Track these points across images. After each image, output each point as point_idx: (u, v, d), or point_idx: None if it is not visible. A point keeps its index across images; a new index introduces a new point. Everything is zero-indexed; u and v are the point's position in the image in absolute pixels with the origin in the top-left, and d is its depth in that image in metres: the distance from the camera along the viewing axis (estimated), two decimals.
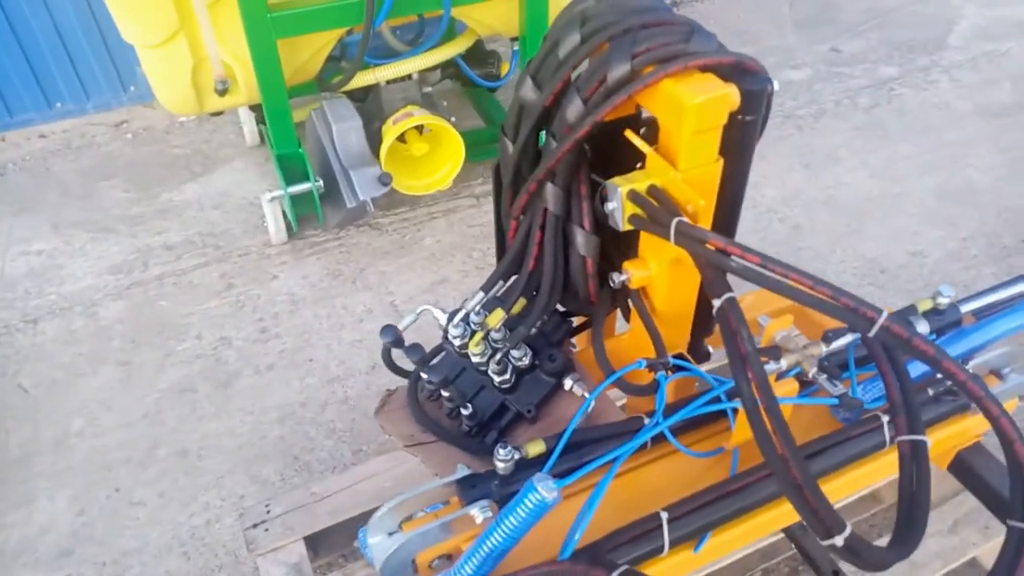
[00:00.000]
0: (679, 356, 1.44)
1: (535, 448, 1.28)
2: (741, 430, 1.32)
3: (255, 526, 1.96)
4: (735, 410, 1.33)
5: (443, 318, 1.54)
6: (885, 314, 0.98)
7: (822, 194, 3.34)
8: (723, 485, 1.26)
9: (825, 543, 0.99)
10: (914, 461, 1.14)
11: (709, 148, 1.22)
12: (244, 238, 3.19)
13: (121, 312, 2.89)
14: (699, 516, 1.24)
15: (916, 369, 1.44)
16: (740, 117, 1.21)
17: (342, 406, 2.53)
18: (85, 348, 2.75)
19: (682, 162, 1.21)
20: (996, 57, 4.22)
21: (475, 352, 1.43)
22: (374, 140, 2.96)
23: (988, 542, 1.90)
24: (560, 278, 1.42)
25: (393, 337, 1.33)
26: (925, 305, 1.54)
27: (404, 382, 1.62)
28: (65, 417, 2.53)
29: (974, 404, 1.38)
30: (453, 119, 2.98)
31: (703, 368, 1.46)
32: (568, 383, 1.49)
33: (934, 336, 1.51)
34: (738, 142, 1.24)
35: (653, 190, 1.23)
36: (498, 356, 1.43)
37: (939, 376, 1.42)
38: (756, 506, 1.28)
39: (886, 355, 1.21)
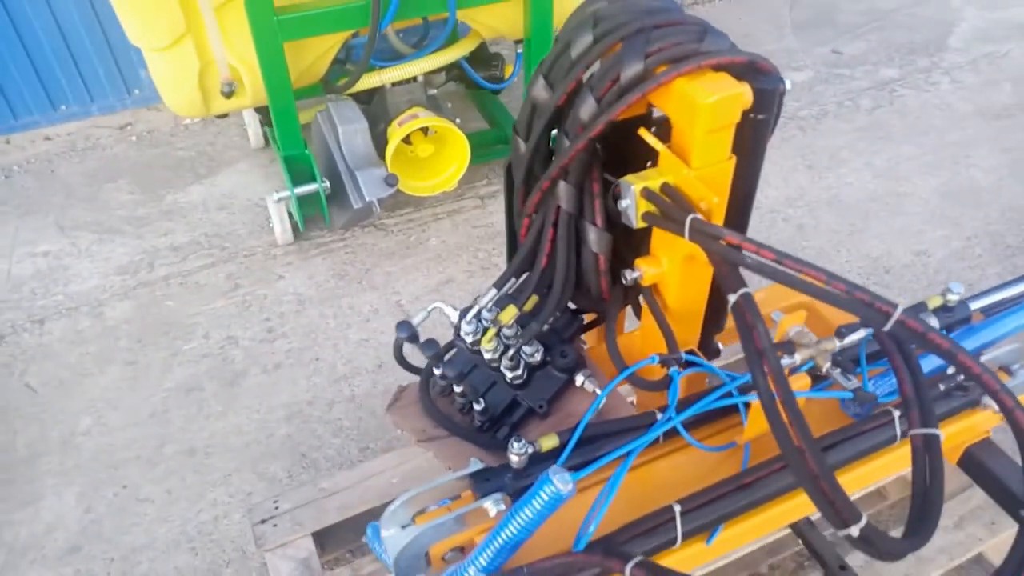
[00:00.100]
0: (690, 352, 1.45)
1: (549, 442, 1.29)
2: (753, 425, 1.33)
3: (263, 522, 1.97)
4: (747, 405, 1.34)
5: (454, 315, 1.55)
6: (900, 309, 0.99)
7: (826, 194, 3.36)
8: (736, 479, 1.27)
9: (842, 533, 1.00)
10: (927, 454, 1.15)
11: (722, 146, 1.23)
12: (250, 239, 3.20)
13: (128, 312, 2.90)
14: (712, 509, 1.25)
15: (925, 366, 1.45)
16: (753, 116, 1.22)
17: (349, 404, 2.54)
18: (92, 348, 2.77)
19: (695, 160, 1.22)
20: (996, 59, 4.24)
21: (487, 348, 1.44)
22: (380, 142, 2.97)
23: (994, 538, 1.92)
24: (572, 275, 1.43)
25: (409, 332, 1.34)
26: (935, 302, 1.55)
27: (413, 378, 1.63)
28: (72, 416, 2.54)
29: (988, 398, 1.40)
30: (458, 121, 3.00)
31: (714, 364, 1.47)
32: (580, 379, 1.50)
33: (944, 333, 1.52)
34: (750, 140, 1.25)
35: (666, 188, 1.24)
36: (510, 352, 1.44)
37: (949, 372, 1.43)
38: (768, 499, 1.29)
39: (899, 350, 1.22)
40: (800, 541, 1.97)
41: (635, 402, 1.77)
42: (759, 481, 1.28)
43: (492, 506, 1.26)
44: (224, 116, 3.32)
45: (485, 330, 1.46)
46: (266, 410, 2.54)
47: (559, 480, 1.10)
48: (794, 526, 1.95)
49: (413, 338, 1.36)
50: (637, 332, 1.64)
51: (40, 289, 3.01)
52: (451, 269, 3.04)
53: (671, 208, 1.19)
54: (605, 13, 1.26)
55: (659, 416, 1.33)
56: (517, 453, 1.26)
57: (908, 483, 2.11)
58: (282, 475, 2.35)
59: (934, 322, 1.49)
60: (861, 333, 1.22)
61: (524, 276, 1.51)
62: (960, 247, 3.07)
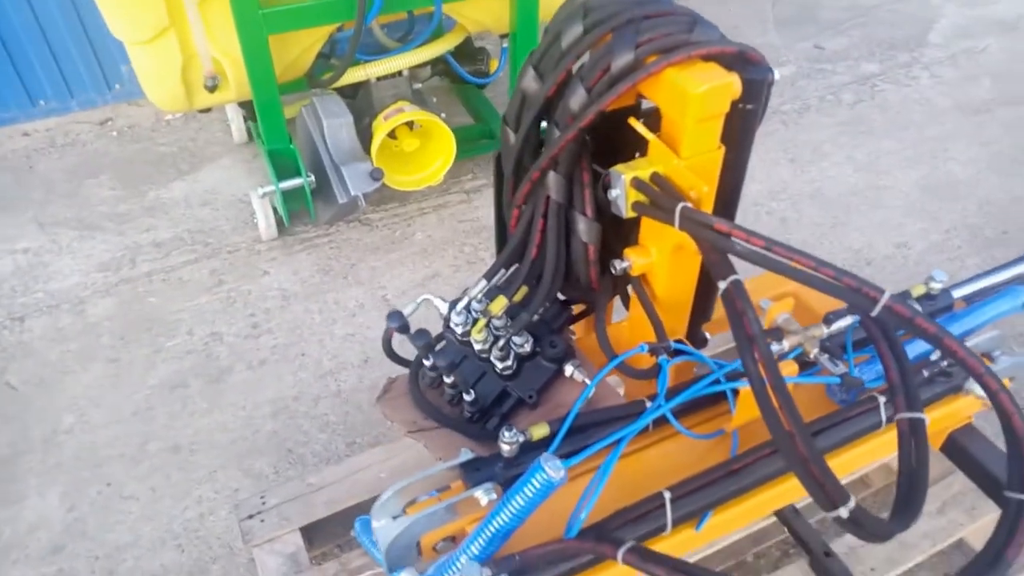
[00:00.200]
0: (678, 342, 1.46)
1: (539, 431, 1.30)
2: (741, 412, 1.35)
3: (250, 517, 1.96)
4: (735, 393, 1.36)
5: (443, 307, 1.56)
6: (887, 294, 1.00)
7: (808, 188, 3.39)
8: (724, 465, 1.28)
9: (831, 515, 1.01)
10: (913, 438, 1.17)
11: (711, 136, 1.24)
12: (234, 235, 3.17)
13: (110, 309, 2.86)
14: (701, 496, 1.26)
15: (908, 353, 1.47)
16: (741, 106, 1.23)
17: (335, 399, 2.53)
18: (73, 345, 2.73)
19: (685, 150, 1.23)
20: (975, 54, 4.30)
21: (477, 339, 1.45)
22: (365, 136, 2.96)
23: (975, 523, 1.94)
24: (562, 265, 1.44)
25: (400, 323, 1.34)
26: (919, 290, 1.58)
27: (402, 371, 1.63)
28: (54, 414, 2.50)
29: (971, 384, 1.43)
30: (443, 115, 2.99)
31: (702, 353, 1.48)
32: (569, 369, 1.51)
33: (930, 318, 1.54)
34: (739, 130, 1.26)
35: (656, 177, 1.25)
36: (500, 343, 1.45)
37: (932, 359, 1.46)
38: (757, 485, 1.31)
39: (884, 337, 1.24)
40: (785, 529, 1.99)
41: (624, 393, 1.78)
42: (747, 468, 1.30)
43: (483, 495, 1.27)
44: (207, 111, 3.28)
45: (475, 321, 1.47)
46: (251, 406, 2.52)
47: (551, 467, 1.11)
48: (780, 514, 1.97)
49: (404, 328, 1.35)
50: (625, 322, 1.65)
51: (20, 287, 2.96)
52: (437, 264, 3.03)
53: (661, 197, 1.20)
54: (595, 4, 1.27)
55: (648, 404, 1.34)
56: (508, 442, 1.26)
57: (892, 471, 2.14)
58: (268, 471, 2.34)
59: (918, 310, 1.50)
60: (848, 320, 1.23)
61: (514, 267, 1.51)
62: (939, 239, 3.11)
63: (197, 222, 3.24)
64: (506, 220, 1.49)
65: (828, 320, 1.23)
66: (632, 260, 1.40)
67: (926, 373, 1.43)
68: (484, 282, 1.46)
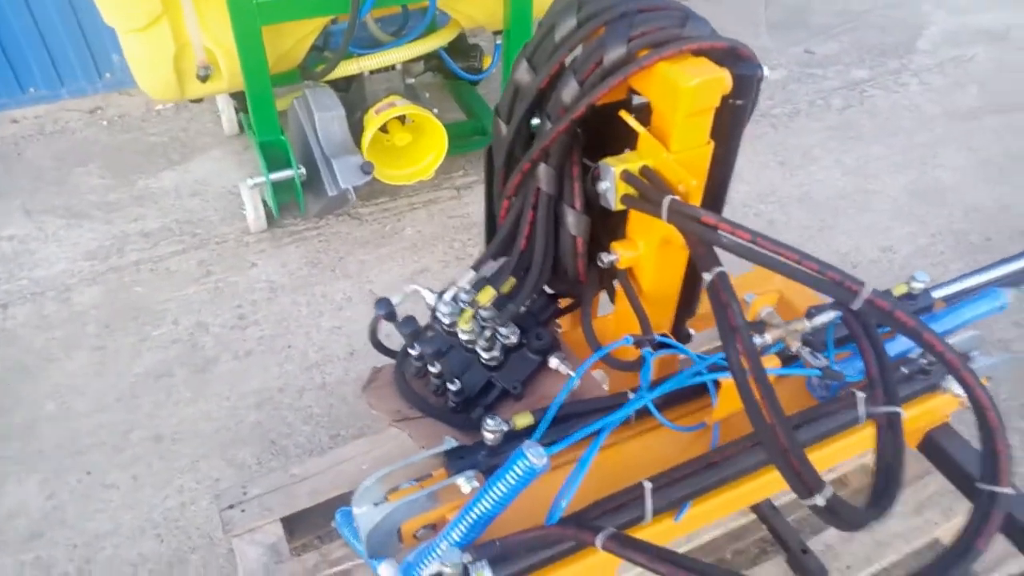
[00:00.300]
0: (663, 336, 1.47)
1: (523, 420, 1.30)
2: (723, 405, 1.36)
3: (231, 507, 1.95)
4: (717, 386, 1.37)
5: (431, 297, 1.56)
6: (869, 287, 1.02)
7: (797, 191, 3.41)
8: (705, 457, 1.29)
9: (807, 503, 1.02)
10: (890, 431, 1.18)
11: (701, 131, 1.25)
12: (222, 226, 3.17)
13: (96, 298, 2.85)
14: (681, 486, 1.27)
15: (889, 352, 1.49)
16: (731, 101, 1.24)
17: (320, 392, 2.53)
18: (58, 333, 2.72)
19: (674, 144, 1.24)
20: (963, 62, 4.34)
21: (464, 329, 1.45)
22: (356, 130, 2.96)
23: (949, 522, 1.97)
24: (550, 257, 1.45)
25: (387, 310, 1.34)
26: (900, 290, 1.60)
27: (388, 361, 1.63)
28: (36, 401, 2.49)
29: (948, 382, 1.44)
30: (436, 111, 3.00)
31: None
32: (554, 362, 1.52)
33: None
34: (729, 126, 1.28)
35: (646, 171, 1.26)
36: (487, 333, 1.45)
37: (911, 357, 1.47)
38: (735, 477, 1.32)
39: (865, 333, 1.25)
40: (764, 526, 2.01)
41: (608, 388, 1.79)
42: (727, 460, 1.31)
43: (465, 483, 1.27)
44: (198, 101, 3.28)
45: (462, 311, 1.47)
46: (236, 397, 2.51)
47: (533, 454, 1.11)
48: (758, 511, 1.99)
49: (391, 316, 1.36)
50: (611, 316, 1.66)
51: (4, 274, 2.95)
52: (426, 259, 3.03)
53: (650, 190, 1.21)
54: None
55: (631, 396, 1.35)
56: (491, 430, 1.27)
57: (869, 471, 2.16)
58: (251, 462, 2.34)
59: None
60: (830, 314, 1.24)
61: (502, 259, 1.52)
62: (925, 244, 3.14)
63: (186, 212, 3.24)
64: (496, 211, 1.50)
65: (810, 315, 1.24)
66: (619, 253, 1.41)
67: (905, 370, 1.44)
68: (472, 272, 1.46)
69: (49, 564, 2.08)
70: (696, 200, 1.27)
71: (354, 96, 3.08)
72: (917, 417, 1.55)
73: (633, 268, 1.47)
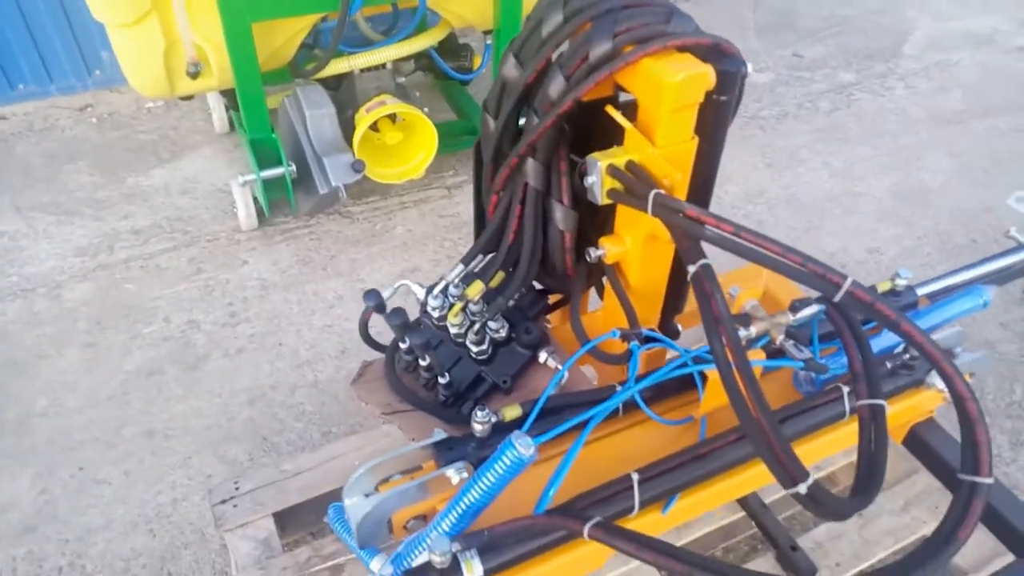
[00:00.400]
0: (651, 331, 1.49)
1: (512, 412, 1.32)
2: (710, 398, 1.38)
3: (223, 502, 1.95)
4: (703, 379, 1.39)
5: (421, 292, 1.58)
6: (850, 280, 1.04)
7: (784, 192, 3.44)
8: (692, 449, 1.31)
9: (790, 491, 1.04)
10: (873, 423, 1.21)
11: (685, 126, 1.27)
12: (213, 224, 3.17)
13: (86, 294, 2.85)
14: (669, 478, 1.29)
15: (873, 348, 1.51)
16: (715, 97, 1.26)
17: (312, 389, 2.54)
18: (49, 329, 2.72)
19: (659, 139, 1.26)
20: (948, 67, 4.39)
21: (454, 323, 1.47)
22: (347, 128, 2.97)
23: (937, 520, 1.99)
24: (538, 251, 1.46)
25: (377, 301, 1.36)
26: (884, 286, 1.62)
27: (378, 356, 1.64)
28: (28, 397, 2.49)
29: (932, 377, 1.47)
30: (426, 110, 3.01)
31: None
32: (543, 356, 1.54)
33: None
34: (713, 121, 1.29)
35: (631, 165, 1.28)
36: (476, 327, 1.47)
37: (896, 352, 1.50)
38: (722, 470, 1.33)
39: (848, 326, 1.28)
40: (754, 524, 2.03)
41: (597, 383, 1.81)
42: (714, 452, 1.33)
43: (454, 474, 1.28)
44: (189, 98, 3.28)
45: (452, 305, 1.49)
46: (228, 394, 2.52)
47: (521, 444, 1.13)
48: (748, 509, 2.00)
49: (380, 308, 1.37)
50: (600, 312, 1.68)
51: None
52: (417, 258, 3.05)
53: (635, 184, 1.23)
54: None
55: (619, 389, 1.37)
56: (480, 422, 1.28)
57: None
58: (243, 458, 2.34)
59: None
60: (814, 308, 1.27)
61: (492, 255, 1.54)
62: (911, 245, 3.18)
63: (176, 210, 3.24)
64: (485, 206, 1.52)
65: (794, 308, 1.26)
66: (607, 248, 1.43)
67: (889, 365, 1.47)
68: (461, 266, 1.48)
69: (41, 558, 2.08)
70: (681, 194, 1.29)
71: (344, 95, 3.10)
72: (902, 412, 1.57)
73: (620, 263, 1.49)
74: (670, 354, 1.57)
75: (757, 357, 1.32)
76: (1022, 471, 2.31)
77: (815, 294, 1.24)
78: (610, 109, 1.30)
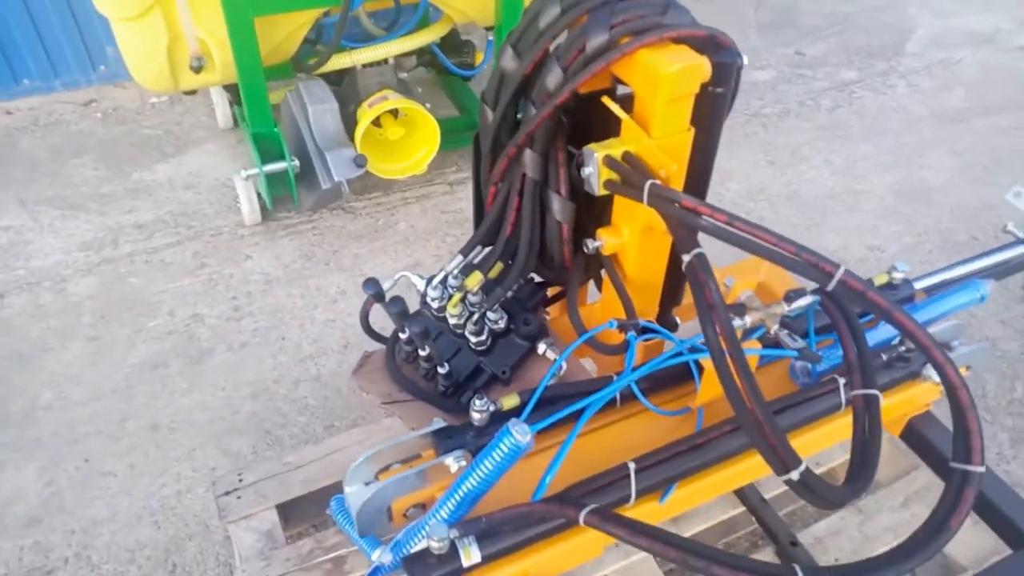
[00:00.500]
0: (647, 322, 1.51)
1: (510, 401, 1.33)
2: (706, 390, 1.39)
3: (227, 493, 1.97)
4: (700, 371, 1.40)
5: (420, 283, 1.59)
6: (843, 269, 1.05)
7: (786, 189, 3.45)
8: (689, 439, 1.32)
9: (782, 478, 1.06)
10: (867, 413, 1.22)
11: (681, 117, 1.28)
12: (217, 219, 3.19)
13: (91, 288, 2.87)
14: (665, 468, 1.30)
15: (870, 341, 1.52)
16: (711, 89, 1.28)
17: (315, 383, 2.55)
18: (54, 323, 2.74)
19: (655, 130, 1.27)
20: (950, 65, 4.39)
21: (453, 313, 1.48)
22: (349, 123, 2.99)
23: None
24: (537, 242, 1.48)
25: (375, 290, 1.37)
26: (881, 279, 1.63)
27: (379, 347, 1.66)
28: (33, 390, 2.51)
29: (928, 369, 1.48)
30: (428, 105, 3.03)
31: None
32: (542, 347, 1.55)
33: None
34: (708, 113, 1.31)
35: (628, 156, 1.29)
36: (475, 317, 1.48)
37: (892, 345, 1.51)
38: (719, 461, 1.35)
39: (843, 317, 1.29)
40: (754, 519, 2.04)
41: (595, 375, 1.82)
42: (710, 443, 1.34)
43: (453, 462, 1.30)
44: (192, 93, 3.30)
45: (451, 296, 1.50)
46: (231, 387, 2.54)
47: (518, 432, 1.15)
48: (748, 504, 2.01)
49: (379, 296, 1.39)
50: (598, 304, 1.69)
51: (0, 264, 2.96)
52: (419, 253, 3.06)
53: (631, 174, 1.24)
54: None
55: (616, 378, 1.38)
56: (479, 411, 1.30)
57: None
58: (247, 451, 2.36)
59: None
60: (808, 299, 1.28)
61: (491, 248, 1.55)
62: (912, 243, 3.18)
63: (180, 205, 3.26)
64: (483, 197, 1.53)
65: (789, 298, 1.27)
66: (604, 240, 1.45)
67: (884, 357, 1.48)
68: (460, 257, 1.49)
69: (48, 549, 2.10)
70: (677, 185, 1.30)
71: (347, 90, 3.11)
72: (898, 405, 1.58)
73: (618, 255, 1.50)
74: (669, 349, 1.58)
75: (752, 346, 1.33)
76: (1023, 468, 2.32)
77: (812, 286, 1.25)
78: (606, 100, 1.31)
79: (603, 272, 1.58)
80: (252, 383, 2.55)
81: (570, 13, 1.26)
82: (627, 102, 1.37)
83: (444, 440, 1.32)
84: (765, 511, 1.99)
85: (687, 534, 2.02)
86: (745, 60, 1.27)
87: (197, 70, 2.77)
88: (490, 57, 3.37)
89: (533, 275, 1.62)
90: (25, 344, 2.66)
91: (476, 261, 1.54)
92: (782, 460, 1.04)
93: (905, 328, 1.03)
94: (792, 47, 4.51)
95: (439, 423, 1.36)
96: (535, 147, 1.36)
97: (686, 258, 1.11)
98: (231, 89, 3.23)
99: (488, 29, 3.25)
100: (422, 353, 1.49)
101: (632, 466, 1.29)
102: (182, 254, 3.02)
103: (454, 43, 3.35)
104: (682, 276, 1.58)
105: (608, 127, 1.38)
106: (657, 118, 1.25)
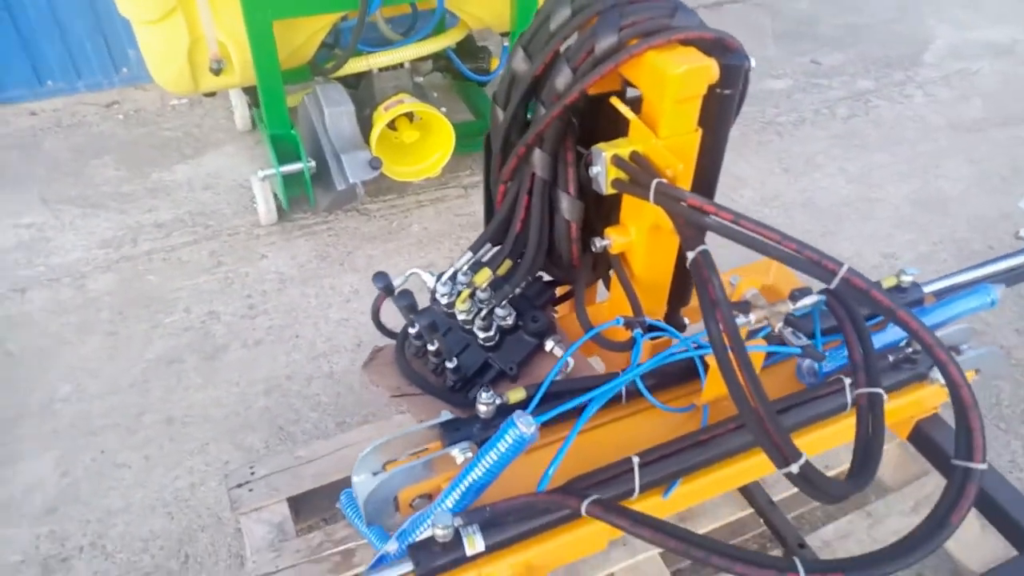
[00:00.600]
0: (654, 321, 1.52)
1: (516, 395, 1.35)
2: (711, 386, 1.40)
3: (239, 486, 2.00)
4: (706, 368, 1.41)
5: (431, 280, 1.62)
6: (846, 267, 1.06)
7: (800, 197, 3.45)
8: (693, 435, 1.33)
9: (783, 471, 1.07)
10: (871, 411, 1.22)
11: (689, 118, 1.30)
12: (234, 219, 3.24)
13: (110, 285, 2.93)
14: (669, 463, 1.31)
15: (877, 343, 1.52)
16: (719, 90, 1.29)
17: (327, 380, 2.58)
18: (73, 318, 2.79)
19: (663, 130, 1.29)
20: (968, 75, 4.38)
21: (462, 309, 1.51)
22: (365, 126, 3.03)
23: None
24: (545, 240, 1.50)
25: (384, 283, 1.40)
26: (890, 282, 1.64)
27: (389, 342, 1.68)
28: (52, 383, 2.56)
29: (934, 372, 1.48)
30: (443, 109, 3.06)
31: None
32: (549, 344, 1.57)
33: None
34: (716, 115, 1.33)
35: (635, 155, 1.31)
36: (483, 313, 1.50)
37: (899, 346, 1.51)
38: (723, 457, 1.36)
39: (849, 316, 1.30)
40: (762, 521, 2.04)
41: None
42: (715, 439, 1.35)
43: (459, 454, 1.32)
44: (212, 95, 3.35)
45: (460, 292, 1.52)
46: (245, 384, 2.57)
47: (523, 423, 1.17)
48: (756, 506, 2.02)
49: (388, 289, 1.41)
50: (606, 303, 1.71)
51: (22, 259, 3.03)
52: (432, 255, 3.09)
53: (639, 173, 1.26)
54: None
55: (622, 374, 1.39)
56: (485, 403, 1.32)
57: None
58: (259, 446, 2.39)
59: None
60: (813, 298, 1.29)
61: (499, 245, 1.58)
62: (927, 251, 3.17)
63: (199, 205, 3.31)
64: (493, 196, 1.56)
65: (794, 297, 1.28)
66: (612, 239, 1.46)
67: (891, 359, 1.48)
68: (470, 254, 1.52)
69: (64, 537, 2.14)
70: (684, 184, 1.32)
71: (363, 93, 3.15)
72: (905, 407, 1.58)
73: (626, 254, 1.52)
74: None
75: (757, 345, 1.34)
76: None
77: (821, 286, 1.26)
78: (615, 100, 1.33)
79: (611, 271, 1.60)
80: (266, 379, 2.58)
81: (580, 15, 1.29)
82: (635, 104, 1.39)
83: (451, 432, 1.35)
84: (773, 513, 1.99)
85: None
86: (753, 63, 1.29)
87: (217, 72, 2.82)
88: (505, 63, 3.40)
89: (542, 273, 1.64)
90: (45, 338, 2.71)
91: (485, 258, 1.56)
92: (782, 453, 1.05)
93: (908, 326, 1.04)
94: (808, 56, 4.52)
95: (446, 415, 1.38)
96: (545, 147, 1.39)
97: (691, 255, 1.12)
98: (250, 91, 3.28)
99: (503, 35, 3.28)
100: (431, 348, 1.51)
101: (636, 460, 1.30)
102: (199, 253, 3.07)
103: (470, 48, 3.39)
104: (689, 276, 1.60)
105: (617, 128, 1.40)
106: (664, 119, 1.27)
